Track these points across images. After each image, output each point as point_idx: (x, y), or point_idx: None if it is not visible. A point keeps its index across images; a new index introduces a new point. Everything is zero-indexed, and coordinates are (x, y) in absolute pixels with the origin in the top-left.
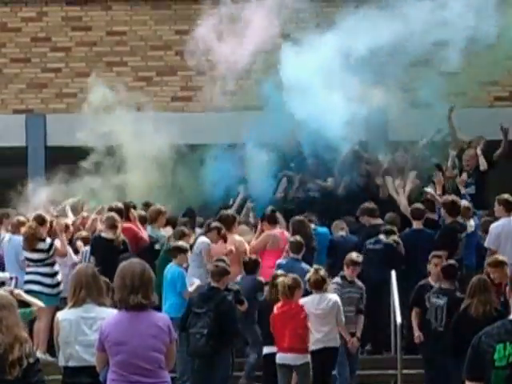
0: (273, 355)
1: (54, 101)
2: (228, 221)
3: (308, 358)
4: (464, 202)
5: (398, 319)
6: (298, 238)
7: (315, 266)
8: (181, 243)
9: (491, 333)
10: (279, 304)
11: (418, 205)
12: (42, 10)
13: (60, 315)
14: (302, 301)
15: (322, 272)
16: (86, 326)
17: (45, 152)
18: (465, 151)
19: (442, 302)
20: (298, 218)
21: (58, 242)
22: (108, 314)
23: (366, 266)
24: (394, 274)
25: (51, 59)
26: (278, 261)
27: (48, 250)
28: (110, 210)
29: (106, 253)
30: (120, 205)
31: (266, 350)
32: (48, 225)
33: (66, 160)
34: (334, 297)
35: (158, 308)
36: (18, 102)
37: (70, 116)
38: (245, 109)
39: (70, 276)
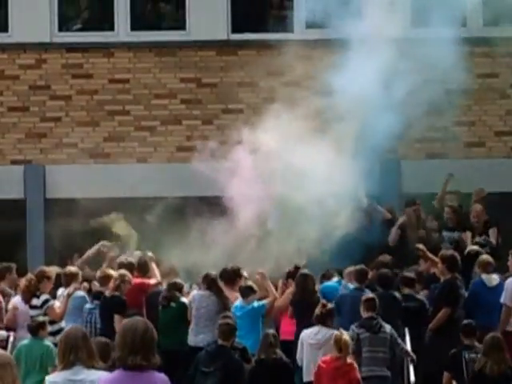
0: None
1: (54, 151)
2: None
3: None
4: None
5: (412, 378)
6: (362, 266)
7: (323, 301)
8: (251, 283)
9: None
10: (327, 359)
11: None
12: (41, 56)
13: (48, 378)
14: (303, 333)
15: (330, 306)
16: None
17: (44, 204)
18: (471, 207)
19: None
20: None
21: (56, 303)
22: (98, 376)
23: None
24: (407, 330)
25: (51, 108)
26: (341, 292)
27: (41, 307)
28: (121, 265)
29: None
30: (131, 259)
31: None
32: (51, 281)
33: (66, 213)
34: (332, 330)
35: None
36: (16, 153)
37: (71, 167)
38: None
39: (60, 338)
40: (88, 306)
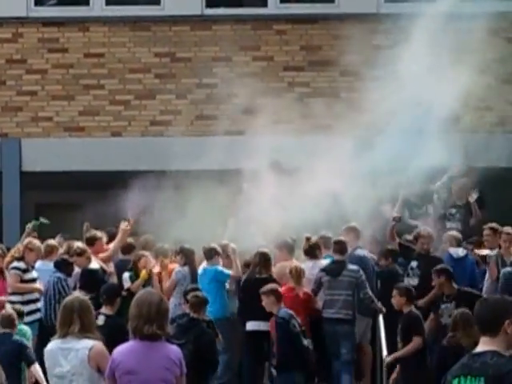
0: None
1: (30, 125)
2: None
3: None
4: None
5: (384, 353)
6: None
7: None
8: (214, 245)
9: (453, 368)
10: (285, 288)
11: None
12: (17, 31)
13: (47, 347)
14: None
15: (314, 239)
16: (63, 357)
17: (20, 177)
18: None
19: None
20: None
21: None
22: (84, 346)
23: None
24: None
25: (27, 82)
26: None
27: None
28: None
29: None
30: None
31: (250, 325)
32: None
33: (41, 186)
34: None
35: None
36: None
37: (46, 140)
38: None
39: (60, 307)
40: (58, 274)
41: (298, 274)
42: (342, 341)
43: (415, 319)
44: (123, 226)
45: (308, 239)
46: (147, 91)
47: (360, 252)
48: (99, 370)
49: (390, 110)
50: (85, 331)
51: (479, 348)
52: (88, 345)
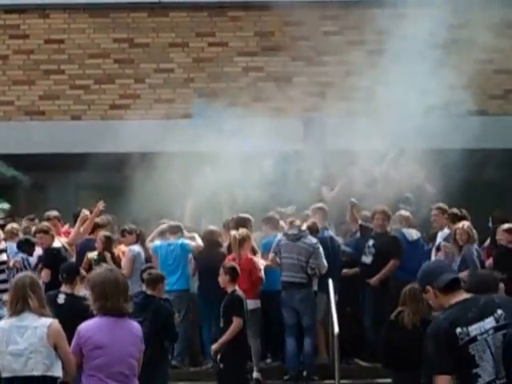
0: None
1: None
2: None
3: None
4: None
5: (336, 329)
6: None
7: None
8: (177, 223)
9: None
10: (229, 257)
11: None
12: None
13: None
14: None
15: (297, 223)
16: (18, 335)
17: None
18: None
19: None
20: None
21: None
22: (42, 323)
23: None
24: (331, 282)
25: None
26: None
27: None
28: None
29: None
30: (55, 213)
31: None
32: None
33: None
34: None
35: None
36: None
37: (7, 124)
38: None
39: (10, 285)
40: (20, 255)
41: (234, 242)
42: (300, 306)
43: (236, 300)
44: (100, 205)
45: (292, 223)
46: (106, 76)
47: (325, 233)
48: (55, 348)
49: (340, 94)
50: (39, 308)
51: None
52: (46, 322)
